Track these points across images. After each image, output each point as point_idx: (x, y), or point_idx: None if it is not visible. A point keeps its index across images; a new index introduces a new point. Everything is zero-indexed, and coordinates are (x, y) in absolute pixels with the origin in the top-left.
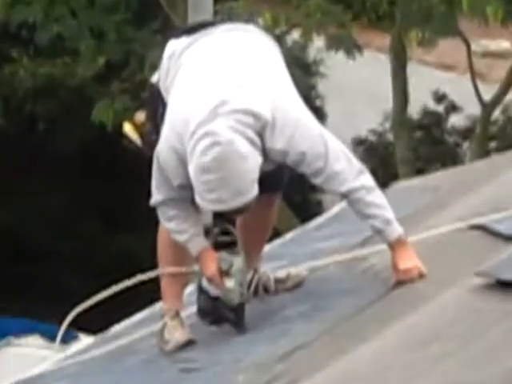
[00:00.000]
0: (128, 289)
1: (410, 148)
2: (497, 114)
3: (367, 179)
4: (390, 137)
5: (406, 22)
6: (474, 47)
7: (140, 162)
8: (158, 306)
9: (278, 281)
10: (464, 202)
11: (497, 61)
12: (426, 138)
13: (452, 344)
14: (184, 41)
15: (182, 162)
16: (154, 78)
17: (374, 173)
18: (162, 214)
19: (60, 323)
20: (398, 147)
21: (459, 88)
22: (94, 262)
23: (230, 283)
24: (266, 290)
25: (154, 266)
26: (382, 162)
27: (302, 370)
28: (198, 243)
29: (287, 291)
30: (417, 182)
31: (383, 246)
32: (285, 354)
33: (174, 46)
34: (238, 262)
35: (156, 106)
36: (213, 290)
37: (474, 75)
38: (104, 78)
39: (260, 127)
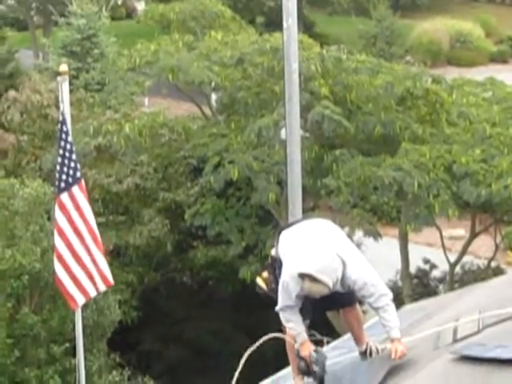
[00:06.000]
0: None
1: (411, 289)
2: (457, 269)
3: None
4: (400, 283)
5: (407, 221)
6: (444, 233)
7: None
8: None
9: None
10: (440, 317)
11: (457, 240)
12: (419, 284)
13: None
14: (290, 228)
15: (298, 283)
16: (272, 252)
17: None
18: (282, 316)
19: None
20: (404, 289)
21: (437, 256)
22: None
23: (315, 367)
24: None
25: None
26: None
27: None
28: (303, 337)
29: None
30: (416, 305)
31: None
32: None
33: (286, 232)
34: (320, 358)
35: (275, 267)
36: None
37: (444, 248)
38: (244, 255)
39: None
